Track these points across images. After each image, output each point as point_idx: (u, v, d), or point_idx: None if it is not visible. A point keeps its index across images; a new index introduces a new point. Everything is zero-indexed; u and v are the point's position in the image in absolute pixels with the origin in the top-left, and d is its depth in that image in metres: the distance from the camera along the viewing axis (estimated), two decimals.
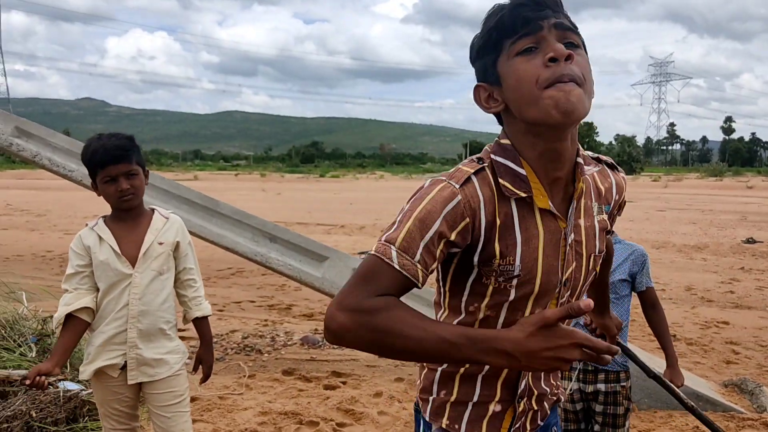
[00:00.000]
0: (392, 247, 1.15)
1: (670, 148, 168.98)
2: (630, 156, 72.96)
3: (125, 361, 2.40)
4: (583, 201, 1.28)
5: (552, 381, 1.44)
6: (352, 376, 4.79)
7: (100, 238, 2.37)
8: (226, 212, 4.97)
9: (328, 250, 4.93)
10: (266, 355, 5.27)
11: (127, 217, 2.42)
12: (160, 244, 2.42)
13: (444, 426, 1.36)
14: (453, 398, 1.35)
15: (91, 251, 2.37)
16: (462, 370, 1.34)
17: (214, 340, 5.63)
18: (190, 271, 2.53)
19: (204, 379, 2.70)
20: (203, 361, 2.65)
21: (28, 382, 2.35)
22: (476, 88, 1.27)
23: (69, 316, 2.35)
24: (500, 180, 1.20)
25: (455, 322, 1.31)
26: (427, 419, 1.39)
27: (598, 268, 1.36)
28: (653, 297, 2.66)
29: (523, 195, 1.20)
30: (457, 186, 1.18)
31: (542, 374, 1.39)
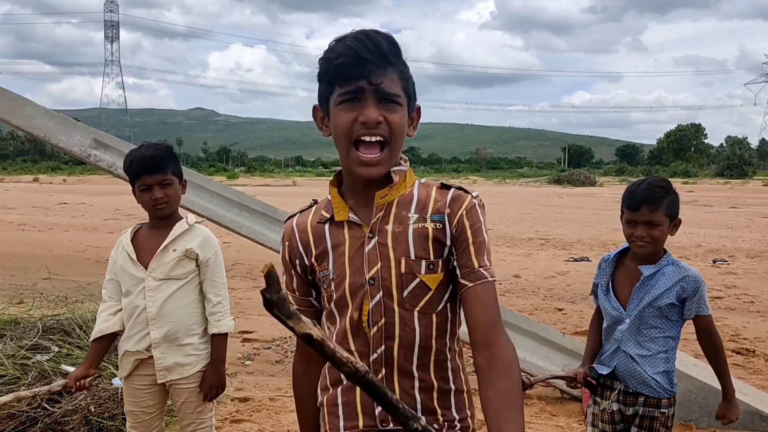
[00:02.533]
0: None
1: None
2: (741, 159, 68.83)
3: (151, 355, 2.52)
4: (394, 210, 1.44)
5: (436, 406, 1.45)
6: None
7: (122, 244, 2.54)
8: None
9: None
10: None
11: (160, 225, 2.55)
12: (174, 250, 2.51)
13: None
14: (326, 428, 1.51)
15: (113, 258, 2.54)
16: (327, 400, 1.51)
17: (277, 343, 5.82)
18: (211, 284, 2.55)
19: (204, 398, 2.58)
20: (204, 380, 2.57)
21: (73, 390, 2.55)
22: (314, 108, 1.50)
23: None
24: (321, 212, 1.50)
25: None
26: None
27: (423, 275, 1.41)
28: (707, 326, 2.44)
29: (328, 216, 1.47)
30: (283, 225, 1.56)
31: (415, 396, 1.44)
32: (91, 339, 2.61)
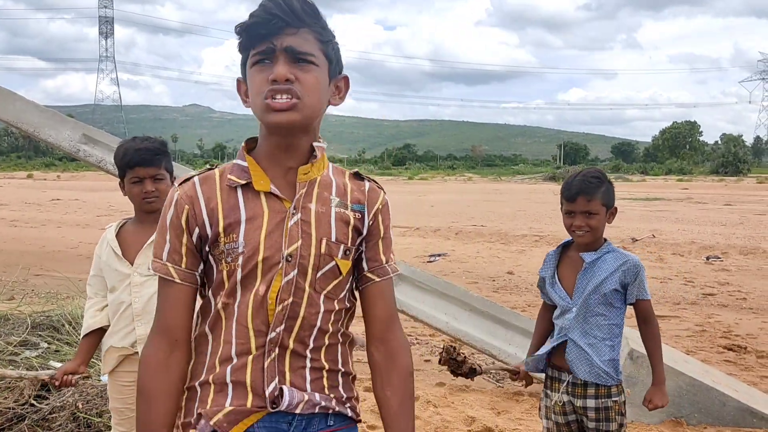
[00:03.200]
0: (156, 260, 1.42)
1: None
2: (736, 156, 68.98)
3: (137, 351, 2.49)
4: (317, 190, 1.42)
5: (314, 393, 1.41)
6: None
7: (106, 240, 2.51)
8: None
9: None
10: None
11: (146, 220, 2.51)
12: None
13: None
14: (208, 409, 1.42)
15: (98, 254, 2.51)
16: (212, 378, 1.40)
17: None
18: None
19: None
20: None
21: (57, 382, 2.53)
22: (238, 81, 1.47)
23: None
24: (228, 176, 1.40)
25: (202, 329, 1.42)
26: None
27: (339, 259, 1.41)
28: (647, 311, 2.50)
29: (243, 182, 1.38)
30: (177, 186, 1.42)
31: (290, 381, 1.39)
32: (82, 335, 2.58)
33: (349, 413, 1.47)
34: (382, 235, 1.48)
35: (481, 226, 16.48)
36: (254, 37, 1.34)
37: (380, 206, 1.48)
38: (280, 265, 1.35)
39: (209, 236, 1.38)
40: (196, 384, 1.41)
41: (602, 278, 2.44)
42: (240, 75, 1.45)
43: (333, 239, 1.40)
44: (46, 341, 4.50)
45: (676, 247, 12.74)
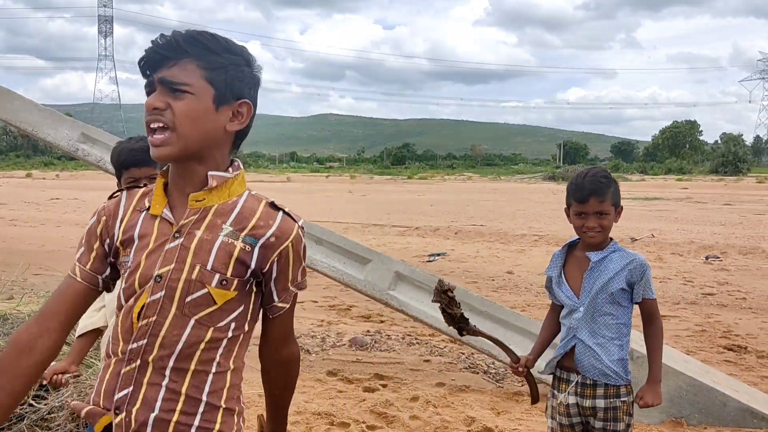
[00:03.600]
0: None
1: None
2: (735, 156, 68.95)
3: None
4: (210, 217, 1.44)
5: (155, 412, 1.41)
6: (394, 379, 4.80)
7: None
8: None
9: (371, 252, 4.97)
10: (314, 355, 5.37)
11: None
12: None
13: None
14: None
15: None
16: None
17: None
18: None
19: None
20: None
21: (45, 381, 2.51)
22: None
23: None
24: (145, 200, 1.50)
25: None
26: None
27: (212, 287, 1.42)
28: (652, 310, 2.51)
29: (147, 206, 1.48)
30: (108, 197, 1.57)
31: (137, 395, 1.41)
32: (77, 335, 2.57)
33: None
34: (291, 268, 1.50)
35: (480, 226, 16.46)
36: (143, 73, 1.43)
37: (291, 243, 1.47)
38: (149, 283, 1.41)
39: (115, 247, 1.49)
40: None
41: (609, 277, 2.44)
42: None
43: (208, 267, 1.41)
44: None
45: (676, 247, 12.73)
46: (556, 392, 2.57)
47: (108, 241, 1.50)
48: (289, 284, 1.51)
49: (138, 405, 1.40)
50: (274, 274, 1.48)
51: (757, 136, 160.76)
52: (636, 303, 2.50)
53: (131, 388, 1.40)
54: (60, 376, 2.47)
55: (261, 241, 1.44)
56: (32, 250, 10.97)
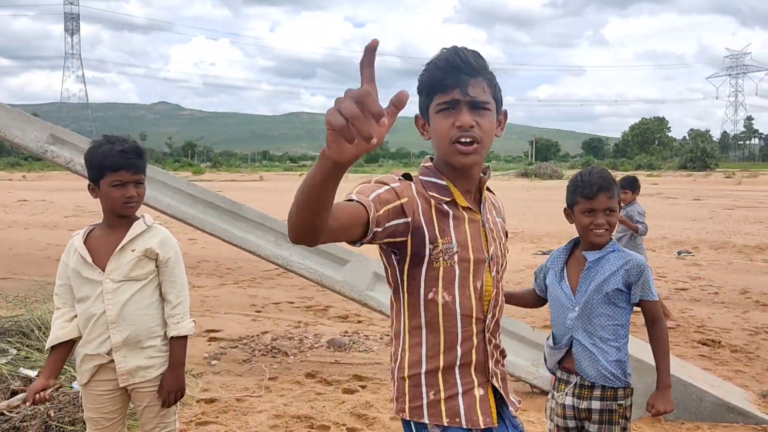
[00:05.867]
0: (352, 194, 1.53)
1: (747, 143, 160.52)
2: (703, 151, 70.13)
3: (112, 359, 2.42)
4: (488, 204, 1.77)
5: (501, 367, 1.79)
6: (373, 380, 4.77)
7: (74, 247, 2.43)
8: (250, 216, 5.02)
9: (349, 253, 4.93)
10: (292, 357, 5.30)
11: (117, 225, 2.44)
12: (133, 250, 2.40)
13: (446, 424, 1.64)
14: (443, 395, 1.65)
15: (65, 262, 2.43)
16: (442, 365, 1.65)
17: (244, 341, 5.72)
18: (170, 284, 2.46)
19: (163, 404, 2.48)
20: (162, 386, 2.47)
21: (29, 403, 2.44)
22: (416, 117, 1.75)
23: None
24: (429, 192, 1.66)
25: (416, 322, 1.67)
26: (424, 422, 1.66)
27: (506, 253, 1.83)
28: (653, 312, 2.46)
29: (448, 200, 1.67)
30: (396, 178, 1.64)
31: (495, 358, 1.72)
32: (48, 347, 2.48)
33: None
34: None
35: None
36: (439, 87, 1.62)
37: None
38: (486, 263, 1.70)
39: (426, 235, 1.61)
40: (421, 372, 1.66)
41: (604, 277, 2.41)
42: (418, 111, 1.75)
43: (505, 240, 1.83)
44: (15, 347, 4.37)
45: (648, 242, 12.84)
46: (555, 393, 2.55)
47: (412, 223, 1.59)
48: None
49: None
50: None
51: (724, 132, 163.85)
52: (634, 304, 2.47)
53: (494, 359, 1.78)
54: (42, 393, 2.40)
55: (502, 218, 1.89)
56: (0, 253, 10.72)
